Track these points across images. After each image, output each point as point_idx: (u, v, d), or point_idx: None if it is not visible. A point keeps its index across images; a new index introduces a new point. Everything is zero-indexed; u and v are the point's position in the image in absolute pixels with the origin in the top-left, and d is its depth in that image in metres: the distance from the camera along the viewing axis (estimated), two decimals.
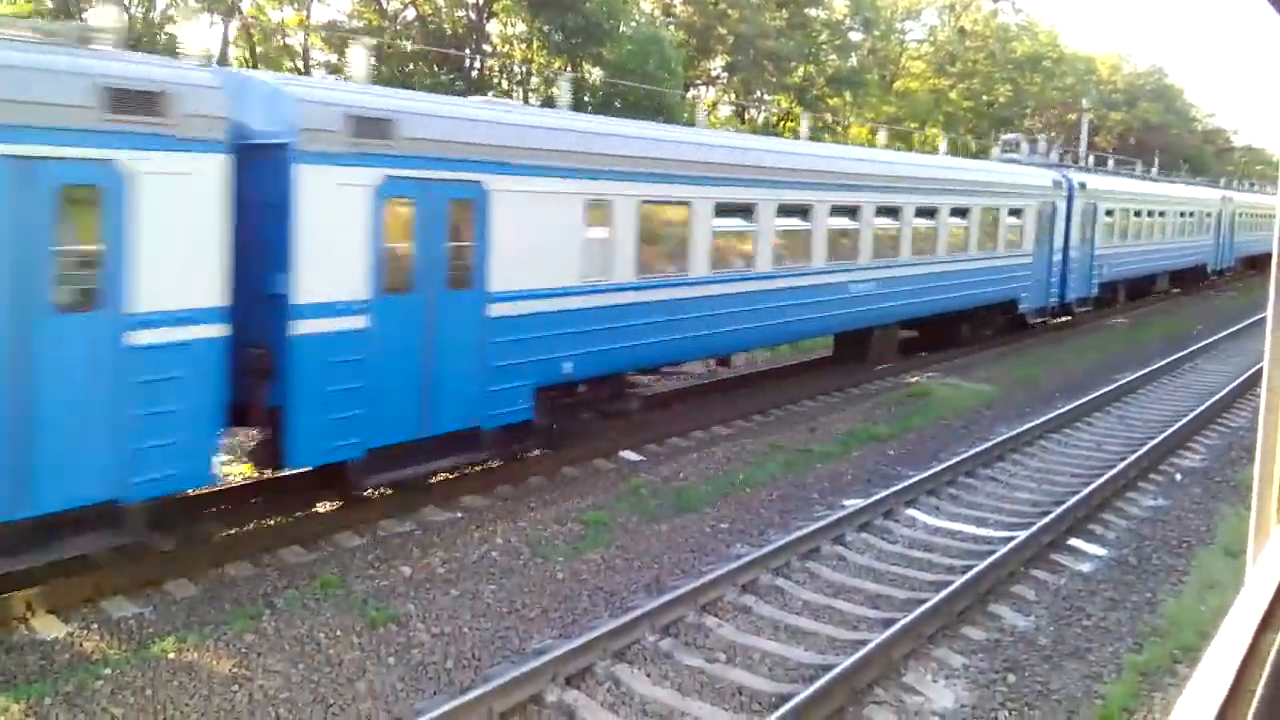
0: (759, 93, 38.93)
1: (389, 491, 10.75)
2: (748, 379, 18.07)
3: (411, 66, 29.32)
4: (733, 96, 40.84)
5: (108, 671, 6.98)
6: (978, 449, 13.33)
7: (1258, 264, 44.85)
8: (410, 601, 8.36)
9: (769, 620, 8.33)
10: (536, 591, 8.69)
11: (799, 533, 9.93)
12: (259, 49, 31.76)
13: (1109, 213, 27.60)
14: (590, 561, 9.37)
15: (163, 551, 8.84)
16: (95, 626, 7.78)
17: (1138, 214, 30.41)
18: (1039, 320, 24.57)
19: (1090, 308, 27.46)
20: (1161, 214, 32.72)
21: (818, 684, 6.86)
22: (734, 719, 6.76)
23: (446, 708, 6.39)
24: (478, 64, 31.27)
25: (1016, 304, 23.02)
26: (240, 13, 30.61)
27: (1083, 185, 25.60)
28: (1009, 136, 32.77)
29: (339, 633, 7.77)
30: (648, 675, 7.24)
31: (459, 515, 10.50)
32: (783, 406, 16.30)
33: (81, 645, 7.51)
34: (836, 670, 7.07)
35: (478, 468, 11.58)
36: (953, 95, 49.40)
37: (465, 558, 9.31)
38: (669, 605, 8.09)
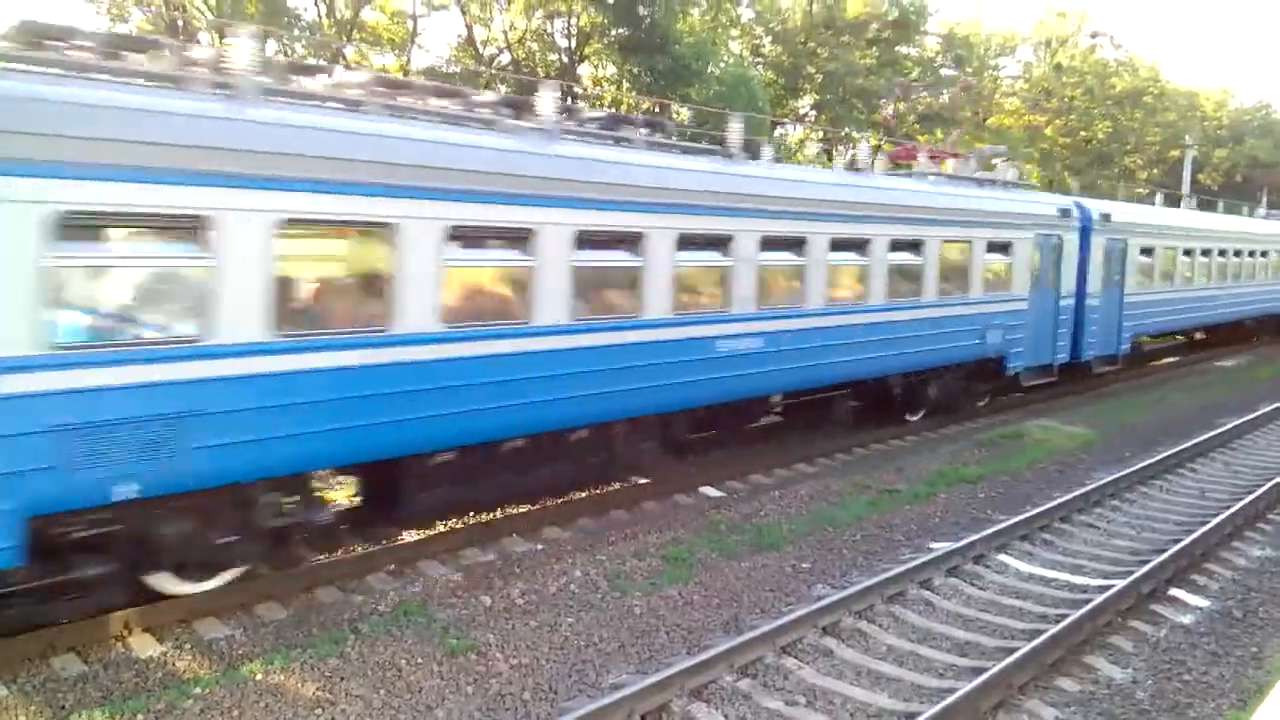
0: (847, 130, 38.79)
1: (473, 520, 10.90)
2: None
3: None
4: (820, 135, 40.74)
5: (198, 691, 7.19)
6: (1074, 494, 12.86)
7: None
8: (490, 631, 8.42)
9: (851, 664, 8.13)
10: (614, 625, 8.67)
11: (883, 575, 9.69)
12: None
13: (1146, 251, 23.05)
14: (668, 597, 9.31)
15: (255, 576, 9.12)
16: (188, 646, 8.02)
17: (1188, 253, 25.56)
18: (1040, 382, 19.53)
19: (1118, 366, 22.37)
20: (1223, 253, 27.74)
21: None
22: None
23: None
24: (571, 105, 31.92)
25: (1002, 361, 17.99)
26: (344, 58, 31.92)
27: (1105, 217, 20.96)
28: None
29: (420, 660, 7.87)
30: (725, 716, 7.13)
31: (539, 547, 10.56)
32: (868, 445, 16.01)
33: (174, 665, 7.75)
34: (921, 719, 6.85)
35: (560, 500, 11.66)
36: (1048, 131, 48.40)
37: (544, 589, 9.35)
38: (748, 645, 7.97)
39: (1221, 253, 27.63)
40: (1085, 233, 20.02)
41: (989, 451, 15.79)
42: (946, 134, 41.36)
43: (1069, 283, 19.68)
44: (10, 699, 6.92)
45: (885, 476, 13.92)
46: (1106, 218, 20.97)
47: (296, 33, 28.11)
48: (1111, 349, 21.50)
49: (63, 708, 6.92)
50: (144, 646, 7.98)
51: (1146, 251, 22.93)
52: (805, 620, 8.53)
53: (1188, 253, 25.43)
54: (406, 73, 33.47)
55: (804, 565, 10.37)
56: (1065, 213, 19.59)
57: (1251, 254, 30.15)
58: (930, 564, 10.14)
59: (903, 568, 9.90)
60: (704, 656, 7.65)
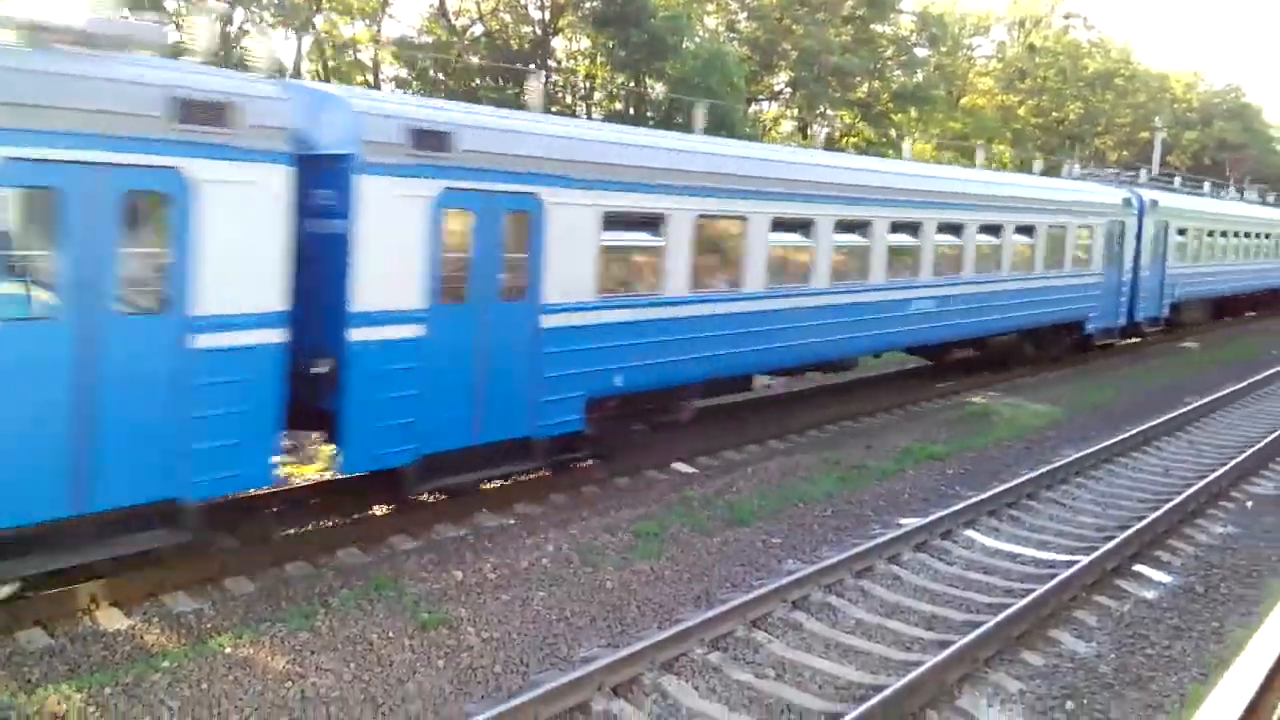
0: (822, 108, 38.73)
1: (443, 496, 10.87)
2: (803, 395, 17.91)
3: (478, 81, 29.76)
4: (795, 112, 40.69)
5: (166, 664, 7.14)
6: (1040, 470, 13.03)
7: None
8: (461, 605, 8.42)
9: (820, 638, 8.21)
10: (586, 600, 8.69)
11: (853, 550, 9.79)
12: (331, 63, 32.52)
13: (1181, 232, 26.87)
14: (640, 572, 9.34)
15: (223, 550, 9.05)
16: (156, 620, 7.96)
17: (1210, 234, 29.50)
18: (1107, 341, 24.02)
19: (1161, 328, 26.68)
20: (1236, 234, 31.77)
21: (868, 704, 6.74)
22: None
23: (493, 712, 6.41)
24: (543, 79, 31.61)
25: (1083, 324, 22.45)
26: (314, 28, 31.40)
27: (1154, 203, 24.96)
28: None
29: (391, 634, 7.85)
30: (695, 688, 7.19)
31: (511, 522, 10.57)
32: (839, 423, 16.12)
33: (142, 638, 7.69)
34: (888, 691, 6.94)
35: (531, 475, 11.65)
36: (1021, 112, 48.64)
37: (516, 564, 9.35)
38: (718, 619, 8.03)
39: (1236, 234, 31.51)
40: (1140, 217, 24.02)
41: (958, 429, 15.95)
42: (921, 113, 41.51)
43: (1128, 259, 23.75)
44: None
45: (856, 453, 14.02)
46: (1155, 204, 24.73)
47: (265, 1, 27.57)
48: (1155, 313, 25.57)
49: (29, 681, 6.84)
50: (111, 620, 7.91)
51: (1182, 232, 26.62)
52: (775, 594, 8.60)
53: (1211, 234, 29.12)
54: (378, 43, 33.02)
55: (774, 540, 10.45)
56: (1127, 202, 23.65)
57: (1259, 235, 33.99)
58: (899, 539, 10.24)
59: (871, 543, 9.99)
60: (675, 630, 7.69)
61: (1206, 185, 34.70)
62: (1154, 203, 24.81)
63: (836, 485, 12.45)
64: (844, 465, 13.33)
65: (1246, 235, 32.95)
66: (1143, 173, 30.81)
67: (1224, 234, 30.55)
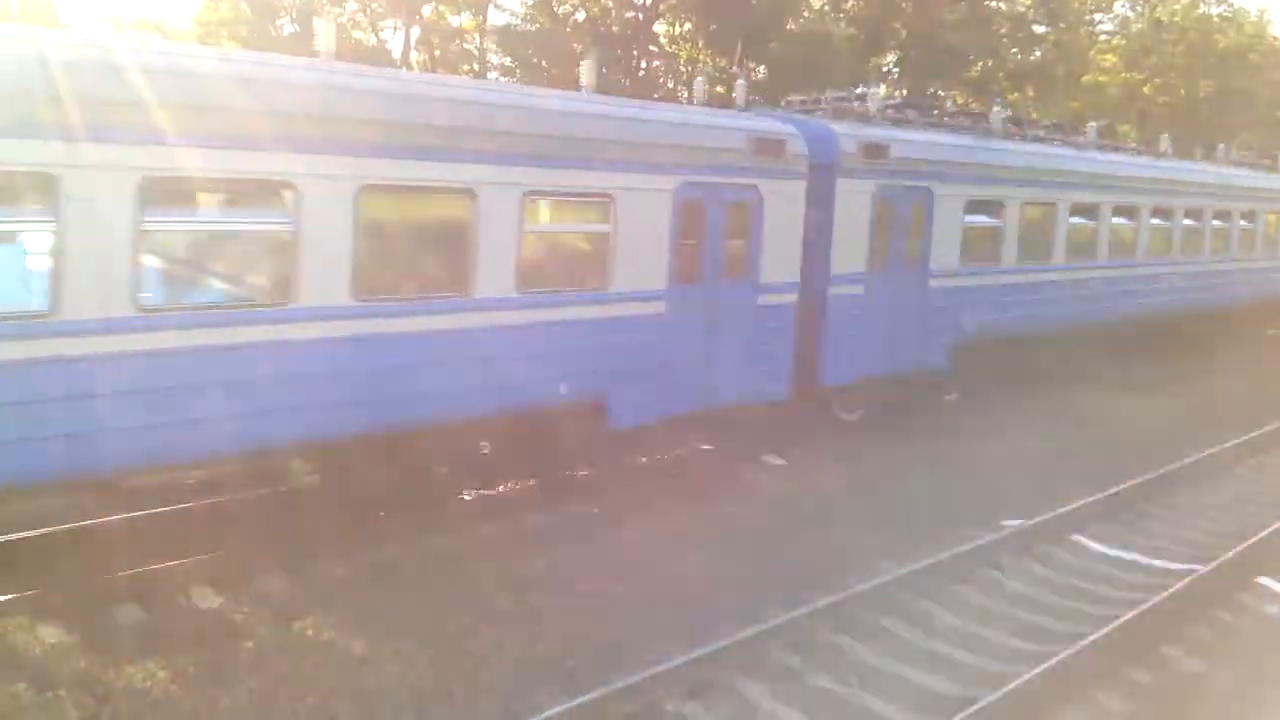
0: (933, 88, 37.45)
1: (531, 483, 10.89)
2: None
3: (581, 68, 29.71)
4: (904, 92, 39.50)
5: (250, 645, 7.28)
6: (1160, 471, 12.26)
7: None
8: (542, 595, 8.36)
9: (909, 645, 7.84)
10: (668, 595, 8.52)
11: (950, 553, 9.35)
12: (438, 53, 33.02)
13: (984, 207, 16.99)
14: (727, 569, 9.12)
15: (320, 534, 9.16)
16: (246, 600, 8.11)
17: (1122, 213, 19.20)
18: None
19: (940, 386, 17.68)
20: (1163, 212, 20.17)
21: (957, 718, 6.37)
22: None
23: (566, 706, 6.31)
24: (644, 64, 31.45)
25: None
26: (421, 18, 31.92)
27: (872, 149, 13.56)
28: None
29: (469, 622, 7.84)
30: (772, 693, 6.93)
31: (596, 510, 10.46)
32: (926, 416, 15.49)
33: (231, 617, 7.85)
34: (979, 705, 6.56)
35: (629, 462, 11.68)
36: (1146, 90, 46.13)
37: (601, 554, 9.25)
38: (802, 620, 7.74)
39: (1163, 211, 19.94)
40: (823, 178, 12.76)
41: (1075, 424, 15.17)
42: (1039, 92, 39.74)
43: (785, 262, 12.32)
44: (72, 645, 7.08)
45: (958, 449, 13.46)
46: (875, 151, 13.33)
47: None
48: (905, 364, 14.19)
49: (120, 656, 7.04)
50: (204, 598, 8.10)
51: (986, 208, 15.38)
52: (864, 597, 8.26)
53: (1120, 212, 18.63)
54: (483, 33, 33.34)
55: (866, 541, 10.06)
56: (765, 142, 11.89)
57: (1245, 215, 22.93)
58: (1000, 543, 9.75)
59: (970, 545, 9.55)
60: (755, 630, 7.46)
61: None
62: (872, 147, 13.27)
63: (931, 482, 11.97)
64: (942, 460, 12.81)
65: (1227, 217, 22.22)
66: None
67: (1163, 213, 19.91)
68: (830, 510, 10.87)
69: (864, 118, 14.54)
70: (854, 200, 13.06)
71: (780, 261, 12.16)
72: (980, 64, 38.03)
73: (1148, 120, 44.27)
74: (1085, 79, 44.93)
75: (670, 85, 33.70)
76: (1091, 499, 11.10)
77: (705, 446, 12.71)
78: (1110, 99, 43.89)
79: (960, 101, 38.33)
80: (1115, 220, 18.42)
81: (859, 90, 15.35)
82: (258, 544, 8.75)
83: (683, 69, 34.35)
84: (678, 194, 11.01)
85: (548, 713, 6.24)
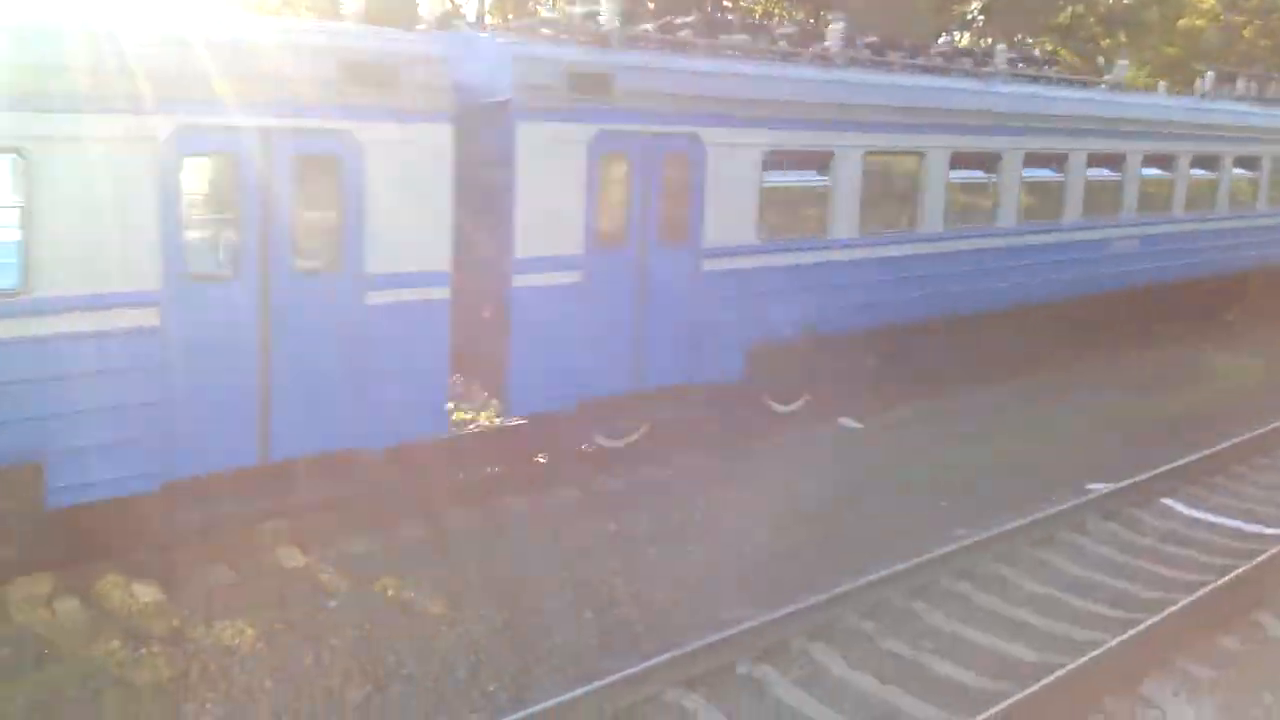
0: (1020, 35, 36.05)
1: (603, 446, 10.93)
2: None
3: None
4: (988, 41, 38.12)
5: (333, 604, 7.50)
6: (1254, 433, 11.75)
7: None
8: (614, 558, 8.43)
9: (987, 611, 7.71)
10: (739, 559, 8.52)
11: (1031, 517, 9.14)
12: (512, 16, 32.92)
13: (779, 164, 12.72)
14: (797, 533, 9.06)
15: (395, 495, 9.37)
16: (330, 560, 8.35)
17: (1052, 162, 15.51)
18: None
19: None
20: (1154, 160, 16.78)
21: (1036, 686, 6.25)
22: (937, 715, 6.29)
23: (638, 669, 6.37)
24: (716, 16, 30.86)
25: None
26: None
27: (580, 81, 9.92)
28: None
29: (544, 583, 7.95)
30: (845, 658, 6.89)
31: (669, 474, 10.47)
32: (1017, 380, 15.04)
33: (316, 577, 8.08)
34: (1061, 673, 6.42)
35: (691, 427, 11.51)
36: (1246, 34, 43.68)
37: (671, 518, 9.28)
38: (875, 585, 7.67)
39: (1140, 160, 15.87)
40: (494, 121, 9.38)
41: (1160, 385, 14.62)
42: (1131, 37, 37.98)
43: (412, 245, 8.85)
44: (165, 604, 7.39)
45: (1042, 411, 13.10)
46: (589, 83, 9.55)
47: None
48: (666, 376, 10.55)
49: (210, 613, 7.33)
50: (290, 558, 8.35)
51: (806, 162, 11.53)
52: (939, 562, 8.14)
53: (1046, 162, 14.30)
54: None
55: (942, 504, 9.89)
56: (365, 67, 8.27)
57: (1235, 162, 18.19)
58: (1085, 506, 9.50)
59: (1053, 510, 9.32)
60: (827, 595, 7.40)
61: None
62: (581, 79, 9.52)
63: (1018, 445, 11.68)
64: (1027, 424, 12.48)
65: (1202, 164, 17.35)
66: None
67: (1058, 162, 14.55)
68: (907, 474, 10.69)
69: (599, 40, 10.00)
70: (551, 152, 9.16)
71: (400, 245, 8.38)
72: (1069, 9, 36.47)
73: (1249, 63, 41.94)
74: (1181, 23, 42.75)
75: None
76: (1181, 462, 10.71)
77: (781, 408, 12.56)
78: (1208, 43, 41.69)
79: (1051, 50, 36.89)
80: (1032, 174, 13.94)
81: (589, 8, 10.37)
82: (340, 507, 8.99)
83: (758, 21, 33.64)
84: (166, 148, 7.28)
85: (619, 675, 6.31)
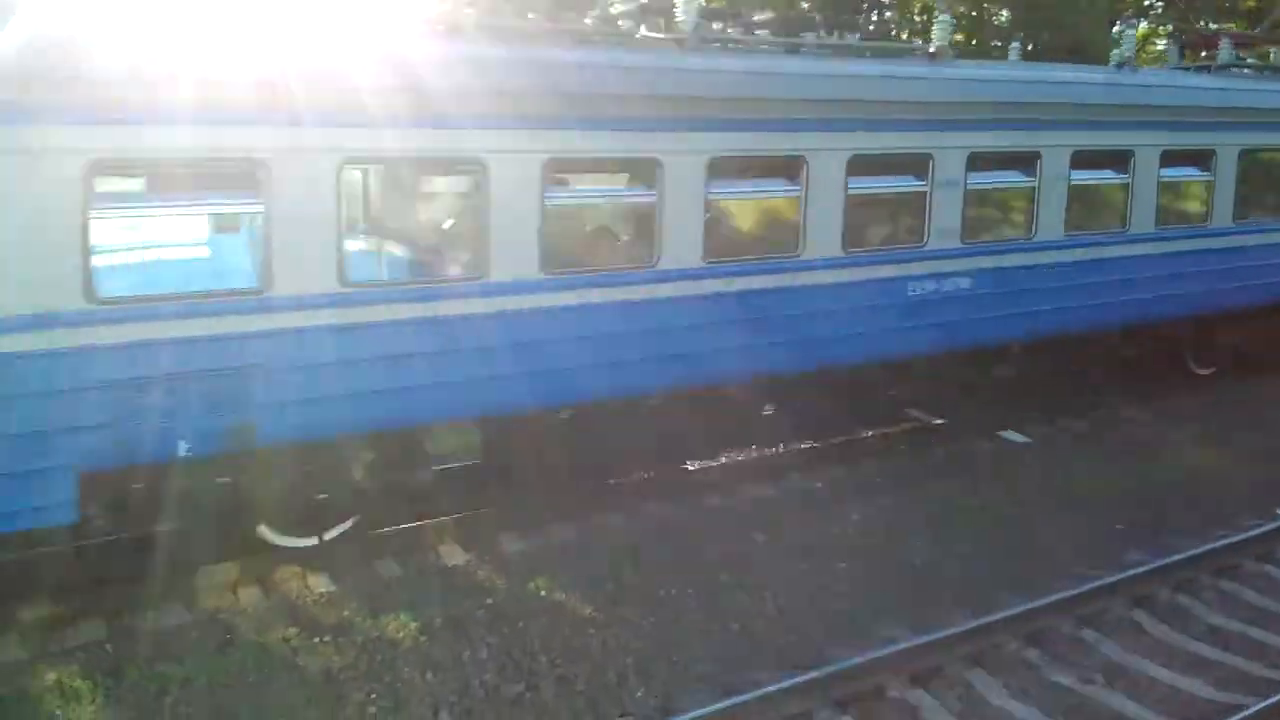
0: (1203, 21, 33.65)
1: (754, 454, 10.90)
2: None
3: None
4: (1167, 28, 35.76)
5: (490, 601, 7.75)
6: None
7: None
8: (761, 570, 8.37)
9: (1162, 643, 7.25)
10: (890, 576, 8.30)
11: (1215, 543, 8.54)
12: None
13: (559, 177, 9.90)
14: (953, 551, 8.76)
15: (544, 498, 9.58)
16: (489, 559, 8.63)
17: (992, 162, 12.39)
18: None
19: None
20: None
21: None
22: None
23: (780, 686, 6.31)
24: (874, 17, 30.17)
25: None
26: None
27: None
28: None
29: (690, 593, 7.97)
30: (1005, 686, 6.61)
31: (818, 485, 10.32)
32: (1212, 390, 14.04)
33: (476, 574, 8.37)
34: (1245, 714, 5.98)
35: (848, 438, 11.33)
36: None
37: (821, 531, 9.13)
38: (1039, 611, 7.33)
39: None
40: None
41: None
42: None
43: None
44: (337, 595, 7.82)
45: (1232, 419, 12.22)
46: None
47: None
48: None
49: (377, 606, 7.69)
50: (452, 557, 8.67)
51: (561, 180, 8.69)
52: (1110, 589, 7.70)
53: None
54: None
55: (1116, 527, 9.35)
56: None
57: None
58: (1276, 533, 8.79)
59: (1240, 536, 8.69)
60: (987, 619, 7.13)
61: None
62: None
63: (1201, 462, 10.92)
64: (1211, 437, 11.66)
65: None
66: None
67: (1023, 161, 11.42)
68: (1074, 491, 10.16)
69: None
70: None
71: None
72: None
73: None
74: None
75: (904, 36, 32.16)
76: None
77: (937, 420, 12.20)
78: None
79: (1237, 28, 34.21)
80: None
81: None
82: (500, 506, 9.29)
83: (916, 19, 32.70)
84: None
85: (761, 691, 6.26)
